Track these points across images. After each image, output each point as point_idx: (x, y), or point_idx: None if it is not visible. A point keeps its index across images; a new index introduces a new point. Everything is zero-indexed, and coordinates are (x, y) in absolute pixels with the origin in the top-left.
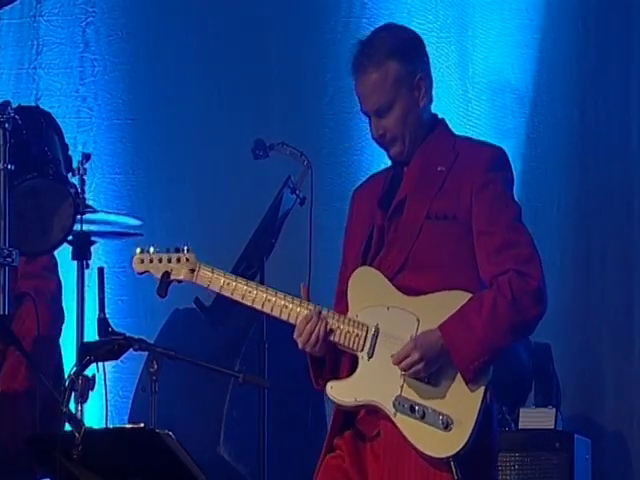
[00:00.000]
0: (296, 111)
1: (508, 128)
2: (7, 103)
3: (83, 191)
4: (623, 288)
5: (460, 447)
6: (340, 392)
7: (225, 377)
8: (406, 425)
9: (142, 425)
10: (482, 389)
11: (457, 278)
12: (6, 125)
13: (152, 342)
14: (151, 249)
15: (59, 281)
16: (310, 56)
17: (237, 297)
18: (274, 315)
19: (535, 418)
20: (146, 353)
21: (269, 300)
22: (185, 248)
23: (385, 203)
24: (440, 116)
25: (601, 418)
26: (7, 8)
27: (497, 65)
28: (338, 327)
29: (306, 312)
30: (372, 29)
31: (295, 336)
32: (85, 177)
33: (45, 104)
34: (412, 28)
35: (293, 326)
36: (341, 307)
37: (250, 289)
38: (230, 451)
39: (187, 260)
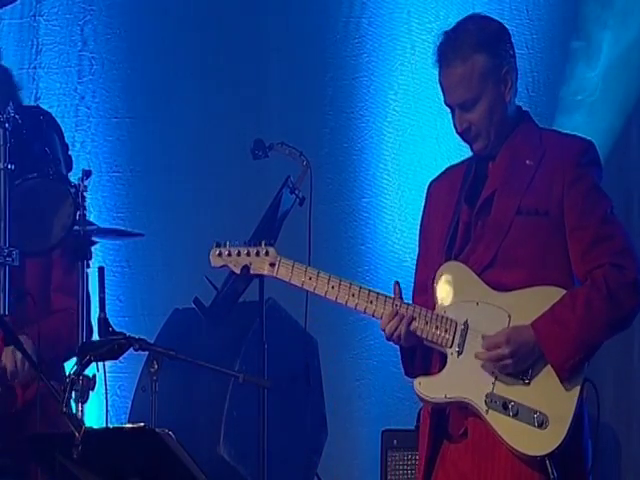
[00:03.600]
0: (296, 111)
1: None
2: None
3: (84, 207)
4: None
5: (556, 446)
6: (429, 388)
7: (225, 377)
8: (499, 423)
9: (142, 425)
10: (578, 387)
11: (548, 274)
12: (6, 125)
13: (152, 342)
14: (227, 243)
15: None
16: (310, 56)
17: (319, 293)
18: (359, 311)
19: None
20: (146, 353)
21: (353, 295)
22: (263, 242)
23: (471, 199)
24: (525, 108)
25: (601, 417)
26: (8, 8)
27: None
28: (425, 324)
29: (390, 309)
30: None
31: (381, 328)
32: (86, 194)
33: (44, 103)
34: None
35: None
36: (421, 300)
37: (333, 284)
38: (230, 451)
39: (267, 254)
